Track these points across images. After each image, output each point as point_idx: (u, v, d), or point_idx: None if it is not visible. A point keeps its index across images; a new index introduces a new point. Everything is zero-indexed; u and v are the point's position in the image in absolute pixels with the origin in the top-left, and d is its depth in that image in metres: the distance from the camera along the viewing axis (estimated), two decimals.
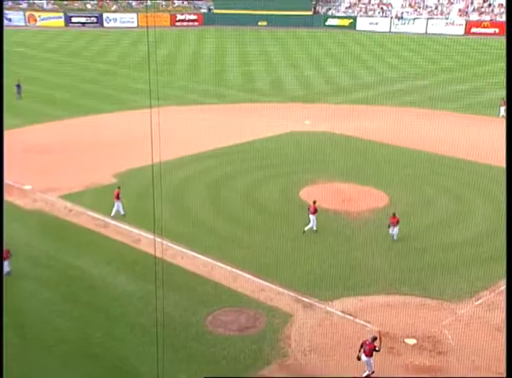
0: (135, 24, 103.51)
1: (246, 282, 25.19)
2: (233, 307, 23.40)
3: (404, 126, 44.20)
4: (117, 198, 30.91)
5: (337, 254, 27.54)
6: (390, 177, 36.59)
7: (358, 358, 19.82)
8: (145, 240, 28.47)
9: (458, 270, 26.29)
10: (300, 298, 24.09)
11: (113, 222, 30.40)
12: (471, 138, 43.43)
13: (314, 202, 30.01)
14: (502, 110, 50.67)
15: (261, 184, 36.25)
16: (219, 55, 78.88)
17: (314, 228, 29.60)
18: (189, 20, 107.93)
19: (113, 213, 30.89)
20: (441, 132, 43.03)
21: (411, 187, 35.61)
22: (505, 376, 13.42)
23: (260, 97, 57.70)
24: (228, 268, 26.23)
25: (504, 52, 16.27)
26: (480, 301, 24.16)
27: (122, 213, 30.93)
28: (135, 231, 29.59)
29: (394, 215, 28.51)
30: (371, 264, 26.65)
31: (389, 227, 28.70)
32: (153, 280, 20.76)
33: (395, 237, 29.04)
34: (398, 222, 28.35)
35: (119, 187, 31.43)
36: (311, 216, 29.70)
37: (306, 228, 29.60)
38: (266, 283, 25.05)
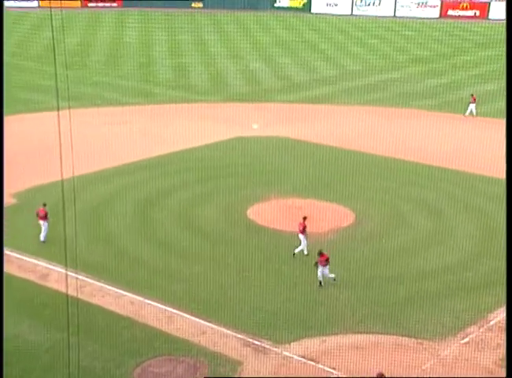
0: (35, 4, 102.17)
1: (183, 323, 25.12)
2: (168, 355, 23.26)
3: (372, 129, 45.30)
4: (45, 217, 30.86)
5: (294, 286, 27.76)
6: (356, 191, 37.32)
7: None
8: (55, 275, 27.97)
9: (439, 302, 26.90)
10: (250, 340, 24.17)
11: (14, 254, 29.77)
12: (451, 142, 44.90)
13: (304, 218, 30.46)
14: (472, 108, 52.61)
15: (200, 202, 36.31)
16: (144, 44, 78.80)
17: (305, 252, 30.11)
18: (105, 0, 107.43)
19: (43, 238, 30.74)
20: (415, 136, 44.37)
21: (381, 202, 36.41)
22: (505, 376, 14.91)
23: (196, 95, 57.89)
24: (161, 306, 26.10)
25: (502, 43, 17.12)
26: (466, 339, 24.70)
27: (42, 239, 30.91)
28: (43, 264, 29.07)
29: (321, 253, 27.24)
30: (336, 297, 27.00)
31: (316, 267, 27.43)
32: (65, 326, 20.40)
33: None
34: (327, 261, 27.19)
35: (44, 205, 31.14)
36: (300, 236, 30.16)
37: (297, 251, 30.12)
38: (208, 324, 25.05)
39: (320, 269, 27.51)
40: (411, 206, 36.24)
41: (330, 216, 33.89)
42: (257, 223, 33.79)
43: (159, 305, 26.20)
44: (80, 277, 26.36)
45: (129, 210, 34.82)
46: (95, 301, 26.34)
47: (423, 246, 31.79)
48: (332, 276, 27.76)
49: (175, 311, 25.86)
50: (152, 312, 25.73)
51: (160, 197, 36.84)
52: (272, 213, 34.62)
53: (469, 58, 73.05)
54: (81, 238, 30.11)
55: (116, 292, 27.09)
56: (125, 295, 26.88)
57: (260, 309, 26.08)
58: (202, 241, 31.72)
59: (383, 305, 26.46)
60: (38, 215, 31.26)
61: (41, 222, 31.05)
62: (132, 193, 37.06)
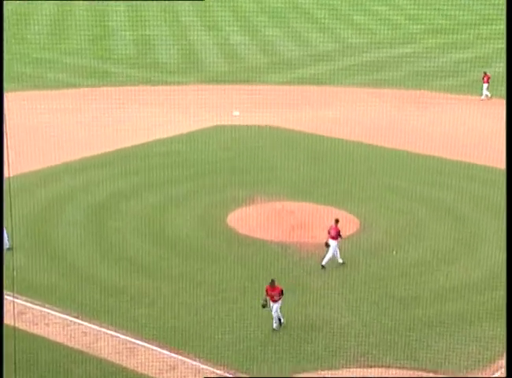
0: None
1: (149, 356, 24.96)
2: None
3: (379, 116, 45.39)
4: None
5: (286, 309, 27.52)
6: (360, 192, 37.38)
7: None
8: None
9: (463, 328, 26.88)
10: (231, 377, 24.05)
11: None
12: (475, 131, 45.03)
13: (337, 221, 30.86)
14: (485, 88, 53.02)
15: (169, 207, 36.12)
16: (98, 13, 78.43)
17: (340, 260, 30.62)
18: None
19: (8, 245, 30.29)
20: (432, 124, 44.49)
21: (391, 205, 36.46)
22: (505, 376, 16.21)
23: (164, 76, 57.74)
24: (121, 336, 25.97)
25: None
26: (498, 373, 24.68)
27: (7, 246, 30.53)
28: None
29: (272, 284, 26.37)
30: (336, 323, 26.93)
31: (265, 305, 26.65)
32: None
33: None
34: (281, 294, 26.26)
35: None
36: (332, 242, 30.47)
37: (325, 262, 30.38)
38: (180, 358, 24.96)
39: (273, 307, 26.32)
40: (427, 210, 36.26)
41: (329, 223, 33.77)
42: (240, 232, 33.73)
43: (118, 334, 26.06)
44: (19, 301, 26.04)
45: (81, 218, 34.65)
46: (38, 330, 26.13)
47: (443, 259, 31.81)
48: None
49: (138, 342, 25.73)
50: (110, 343, 25.58)
51: (119, 201, 36.66)
52: (257, 219, 34.46)
53: (497, 27, 73.18)
54: (20, 252, 29.80)
55: (65, 319, 26.90)
56: (76, 323, 26.71)
57: (243, 338, 25.97)
58: (172, 255, 31.59)
59: (394, 332, 26.42)
60: None
61: None
62: (85, 196, 36.82)
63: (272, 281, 26.27)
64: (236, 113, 49.31)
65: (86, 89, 53.55)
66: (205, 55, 65.23)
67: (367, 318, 27.30)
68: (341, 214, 35.22)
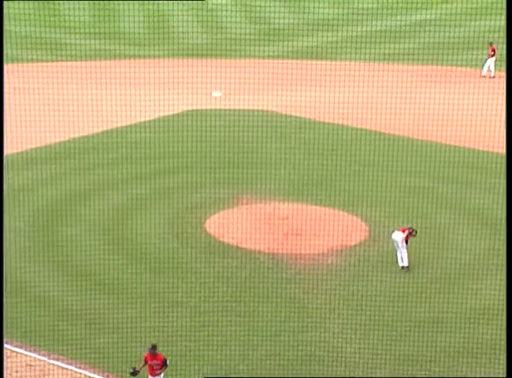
0: None
1: None
2: None
3: (391, 98, 45.23)
4: None
5: (278, 336, 27.86)
6: (370, 191, 37.47)
7: None
8: None
9: (495, 358, 26.94)
10: None
11: None
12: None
13: (411, 230, 32.12)
14: (490, 63, 53.57)
15: (136, 210, 36.41)
16: None
17: (405, 263, 31.63)
18: None
19: None
20: (460, 108, 44.46)
21: (407, 209, 36.52)
22: (505, 376, 17.41)
23: (128, 48, 57.69)
24: (77, 370, 26.05)
25: None
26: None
27: None
28: None
29: (153, 350, 24.75)
30: (340, 353, 26.96)
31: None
32: None
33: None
34: (164, 365, 24.93)
35: None
36: (395, 235, 31.59)
37: (406, 262, 31.66)
38: None
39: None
40: (452, 214, 36.49)
41: (332, 230, 33.89)
42: (221, 240, 33.94)
43: (72, 367, 26.09)
44: None
45: (26, 224, 34.77)
46: None
47: (472, 274, 31.91)
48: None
49: (96, 377, 25.78)
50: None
51: (73, 203, 36.82)
52: (243, 225, 34.67)
53: None
54: None
55: (6, 349, 26.15)
56: (19, 354, 26.73)
57: (227, 372, 26.06)
58: (139, 269, 31.75)
59: (412, 363, 26.49)
60: None
61: None
62: (31, 197, 36.86)
63: (153, 347, 24.64)
64: (217, 94, 49.31)
65: (33, 64, 53.34)
66: (177, 23, 64.99)
67: (378, 346, 27.39)
68: (346, 219, 35.34)
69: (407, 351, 27.11)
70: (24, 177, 39.15)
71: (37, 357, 26.57)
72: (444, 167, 40.52)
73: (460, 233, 34.87)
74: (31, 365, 26.23)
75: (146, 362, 24.41)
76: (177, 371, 25.93)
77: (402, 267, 31.82)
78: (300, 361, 26.61)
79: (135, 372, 24.22)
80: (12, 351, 26.73)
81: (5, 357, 26.18)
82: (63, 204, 36.83)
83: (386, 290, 30.59)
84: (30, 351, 26.83)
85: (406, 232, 31.78)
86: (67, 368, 26.00)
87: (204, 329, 28.09)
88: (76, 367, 26.09)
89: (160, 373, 24.63)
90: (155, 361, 24.34)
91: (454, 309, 29.60)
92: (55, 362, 26.28)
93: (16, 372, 25.76)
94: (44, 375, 25.84)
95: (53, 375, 25.75)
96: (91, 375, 25.86)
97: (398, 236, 31.66)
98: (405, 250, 31.67)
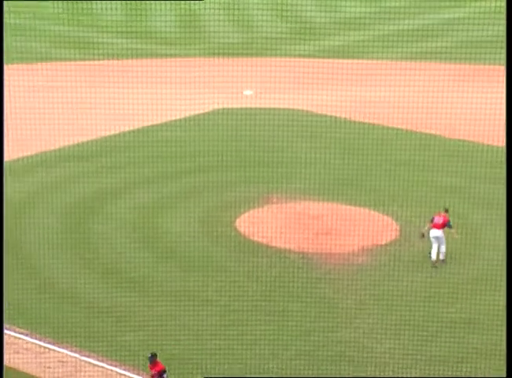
0: None
1: None
2: None
3: (426, 96, 44.99)
4: None
5: (308, 335, 27.87)
6: (402, 191, 37.10)
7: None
8: None
9: None
10: None
11: None
12: None
13: (446, 211, 32.15)
14: None
15: (166, 209, 36.48)
16: None
17: (442, 256, 31.99)
18: None
19: None
20: (495, 106, 44.05)
21: (442, 208, 36.02)
22: (505, 376, 17.59)
23: (160, 47, 57.80)
24: (107, 366, 26.14)
25: None
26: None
27: None
28: None
29: (153, 359, 24.25)
30: (370, 352, 26.99)
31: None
32: None
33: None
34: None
35: None
36: (439, 234, 31.69)
37: (442, 255, 31.92)
38: None
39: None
40: (487, 213, 36.21)
41: (362, 229, 33.85)
42: (251, 238, 33.97)
43: (103, 364, 26.20)
44: None
45: (57, 221, 34.97)
46: (6, 360, 25.77)
47: (505, 274, 31.55)
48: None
49: (126, 373, 25.89)
50: (93, 375, 25.72)
51: (104, 201, 37.01)
52: (273, 223, 34.70)
53: None
54: None
55: (38, 346, 27.05)
56: (52, 350, 26.83)
57: (257, 370, 26.09)
58: (169, 267, 31.76)
59: (443, 363, 26.37)
60: None
61: None
62: (63, 195, 37.08)
63: (152, 356, 23.95)
64: (248, 93, 49.24)
65: (65, 63, 53.69)
66: (210, 22, 65.08)
67: (409, 346, 27.25)
68: (377, 218, 35.23)
69: (438, 352, 26.99)
70: (56, 175, 39.54)
71: (69, 353, 26.70)
72: (478, 166, 40.19)
73: (494, 233, 34.59)
74: (63, 362, 26.38)
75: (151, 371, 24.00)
76: (207, 369, 25.94)
77: (443, 260, 32.00)
78: (330, 361, 26.53)
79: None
80: (44, 347, 26.94)
81: (37, 354, 26.58)
82: (93, 201, 37.05)
83: (417, 289, 30.46)
84: (61, 347, 26.97)
85: (442, 219, 31.95)
86: (98, 365, 26.12)
87: (234, 328, 28.09)
88: (107, 364, 26.18)
89: None
90: (153, 371, 23.80)
91: (486, 309, 29.40)
92: (87, 359, 26.42)
93: (49, 367, 25.96)
94: (76, 371, 26.00)
95: (85, 371, 25.89)
96: (122, 372, 25.98)
97: (439, 232, 31.76)
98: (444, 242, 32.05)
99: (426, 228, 32.34)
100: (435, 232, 31.78)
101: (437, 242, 31.92)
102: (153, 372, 23.79)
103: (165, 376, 23.70)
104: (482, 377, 22.73)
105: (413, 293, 30.12)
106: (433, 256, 32.00)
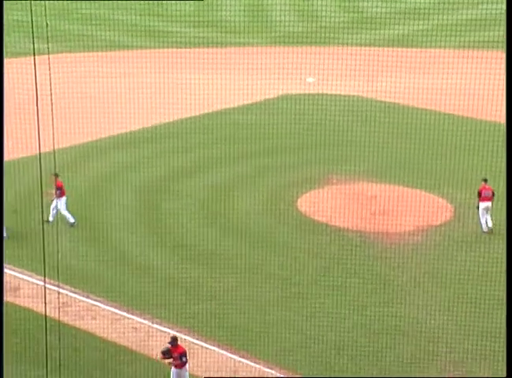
0: None
1: (208, 358, 25.37)
2: None
3: (483, 84, 44.57)
4: (59, 192, 32.52)
5: (365, 309, 28.01)
6: (458, 174, 36.92)
7: None
8: (28, 288, 28.71)
9: None
10: None
11: None
12: None
13: (485, 181, 33.31)
14: None
15: (232, 188, 36.77)
16: None
17: (490, 224, 32.83)
18: None
19: (51, 218, 32.21)
20: None
21: (496, 191, 35.90)
22: (505, 376, 17.13)
23: (228, 36, 58.05)
24: (177, 334, 26.02)
25: None
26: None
27: (72, 221, 32.88)
28: (10, 272, 29.67)
29: (173, 344, 23.80)
30: (425, 326, 27.04)
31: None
32: (42, 361, 20.90)
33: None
34: (184, 358, 23.62)
35: (57, 175, 32.26)
36: (489, 204, 32.88)
37: (491, 224, 32.84)
38: (243, 360, 25.33)
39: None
40: None
41: (417, 210, 33.82)
42: (312, 217, 34.18)
43: (173, 331, 26.38)
44: (63, 291, 26.60)
45: (131, 199, 35.35)
46: (84, 325, 26.79)
47: None
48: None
49: (195, 341, 26.15)
50: (163, 341, 25.70)
51: (176, 180, 37.52)
52: (332, 203, 34.80)
53: None
54: (64, 237, 30.53)
55: (114, 313, 27.55)
56: (126, 318, 27.32)
57: (315, 340, 26.26)
58: (235, 243, 32.09)
59: (494, 338, 26.18)
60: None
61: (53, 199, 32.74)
62: (136, 174, 37.63)
63: (173, 340, 23.62)
64: (310, 80, 49.31)
65: (138, 51, 54.22)
66: (274, 12, 65.12)
67: (461, 320, 27.23)
68: (433, 199, 35.19)
69: (489, 328, 26.76)
70: (131, 156, 40.10)
71: (141, 321, 27.15)
72: None
73: None
74: (136, 328, 26.85)
75: (171, 354, 23.45)
76: (268, 338, 26.19)
77: (491, 229, 32.65)
78: (385, 334, 26.62)
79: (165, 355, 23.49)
80: (119, 315, 27.45)
81: (112, 320, 27.14)
82: (165, 181, 37.48)
83: (469, 268, 30.28)
84: (135, 315, 27.44)
85: (491, 191, 32.96)
86: (168, 332, 26.32)
87: (295, 300, 28.38)
88: (175, 331, 26.38)
89: (184, 365, 23.45)
90: (176, 352, 23.37)
91: None
92: (158, 326, 26.84)
93: (124, 333, 26.44)
94: (148, 336, 26.36)
95: (156, 336, 26.24)
96: (192, 340, 26.18)
97: (490, 203, 32.68)
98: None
99: (478, 204, 33.00)
100: (487, 204, 32.62)
101: (487, 214, 32.67)
102: (175, 354, 23.32)
103: (184, 359, 23.32)
104: (484, 377, 22.33)
105: (466, 271, 29.99)
106: (490, 224, 32.73)
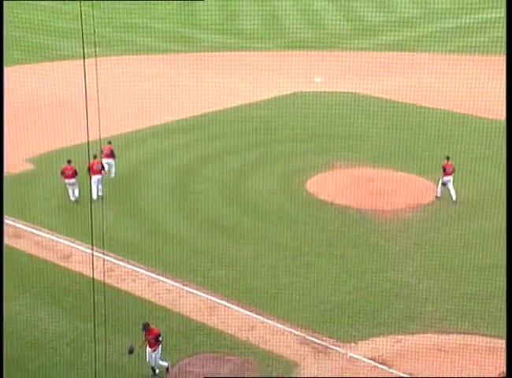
0: None
1: (229, 315, 25.50)
2: (211, 353, 23.62)
3: (466, 83, 44.39)
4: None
5: (363, 274, 28.05)
6: (444, 160, 36.88)
7: None
8: (79, 255, 28.84)
9: None
10: (309, 338, 24.40)
11: (31, 229, 30.68)
12: None
13: (448, 158, 33.53)
14: None
15: (250, 171, 36.83)
16: None
17: (454, 196, 33.32)
18: None
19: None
20: None
21: (474, 174, 36.00)
22: (505, 376, 16.32)
23: (247, 42, 57.86)
24: (203, 295, 26.59)
25: None
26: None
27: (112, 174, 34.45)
28: (64, 241, 29.94)
29: (146, 327, 22.39)
30: (413, 289, 27.11)
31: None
32: (90, 316, 21.03)
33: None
34: (158, 340, 22.25)
35: (110, 143, 33.56)
36: (451, 178, 33.25)
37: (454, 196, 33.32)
38: (259, 318, 25.41)
39: (148, 352, 22.31)
40: None
41: (408, 191, 33.88)
42: (319, 197, 34.14)
43: (200, 293, 26.67)
44: (108, 258, 26.93)
45: (166, 180, 35.50)
46: (125, 286, 26.99)
47: None
48: (166, 364, 22.62)
49: (219, 301, 26.29)
50: (192, 301, 26.18)
51: (202, 165, 37.56)
52: (336, 185, 34.89)
53: None
54: (109, 212, 30.81)
55: (150, 277, 27.72)
56: (160, 281, 27.46)
57: (321, 301, 26.38)
58: (253, 218, 32.21)
59: (473, 299, 26.29)
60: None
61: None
62: (170, 160, 37.84)
63: (144, 325, 22.24)
64: (318, 80, 49.25)
65: (172, 55, 54.15)
66: (287, 21, 65.02)
67: (445, 284, 27.31)
68: (421, 182, 35.18)
69: (470, 290, 26.79)
70: (165, 143, 40.24)
71: (173, 283, 27.26)
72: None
73: None
74: (169, 290, 26.97)
75: (145, 338, 22.29)
76: (281, 299, 26.25)
77: (455, 201, 33.26)
78: (380, 295, 26.70)
79: (131, 351, 22.17)
80: (154, 278, 27.59)
81: (149, 283, 27.29)
82: (193, 165, 37.62)
83: (452, 240, 30.42)
84: (168, 279, 27.56)
85: (446, 166, 33.36)
86: (196, 294, 26.63)
87: (304, 267, 28.51)
88: (202, 292, 26.65)
89: (156, 347, 22.17)
90: (150, 336, 22.14)
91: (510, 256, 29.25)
92: (187, 288, 26.95)
93: (159, 294, 26.64)
94: (180, 297, 26.50)
95: (186, 297, 26.42)
96: (216, 300, 26.31)
97: (450, 177, 33.18)
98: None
99: (444, 178, 33.24)
100: (449, 178, 33.20)
101: (450, 186, 33.25)
102: (149, 337, 22.11)
103: (160, 338, 22.17)
104: (484, 377, 22.12)
105: (449, 243, 30.15)
106: (454, 197, 33.25)
